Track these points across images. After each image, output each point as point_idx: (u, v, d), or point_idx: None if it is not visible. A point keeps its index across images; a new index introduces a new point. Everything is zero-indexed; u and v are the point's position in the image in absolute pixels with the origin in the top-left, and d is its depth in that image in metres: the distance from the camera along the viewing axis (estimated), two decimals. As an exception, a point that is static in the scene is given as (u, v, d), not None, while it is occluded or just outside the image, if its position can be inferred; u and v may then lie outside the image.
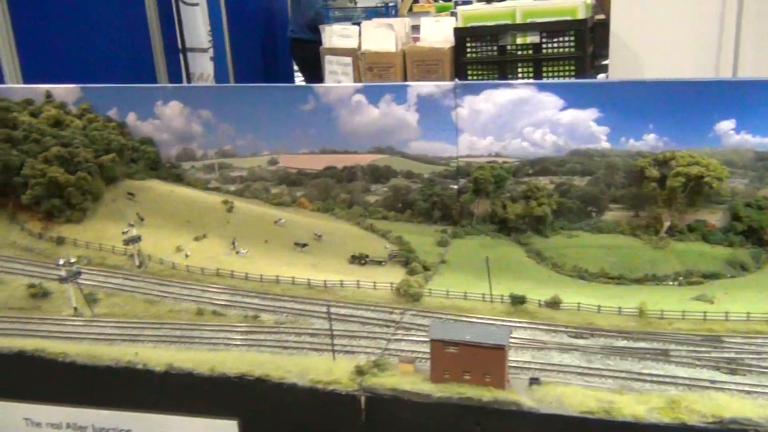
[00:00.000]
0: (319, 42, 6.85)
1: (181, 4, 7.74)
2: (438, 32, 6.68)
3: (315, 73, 7.33)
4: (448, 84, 3.55)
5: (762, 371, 2.24)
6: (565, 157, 3.47)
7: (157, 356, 2.41)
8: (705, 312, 2.56)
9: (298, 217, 3.62)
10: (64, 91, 3.85)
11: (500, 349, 2.16)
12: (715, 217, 3.36)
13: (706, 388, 2.17)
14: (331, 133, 3.68)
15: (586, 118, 3.42)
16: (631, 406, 2.09)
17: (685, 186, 3.24)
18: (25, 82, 5.78)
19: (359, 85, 3.73)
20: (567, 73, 6.20)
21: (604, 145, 3.43)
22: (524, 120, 3.47)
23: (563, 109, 3.42)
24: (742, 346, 2.39)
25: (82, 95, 3.85)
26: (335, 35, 7.05)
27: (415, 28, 6.95)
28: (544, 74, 6.20)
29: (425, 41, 6.70)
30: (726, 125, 3.27)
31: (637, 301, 2.68)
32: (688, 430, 2.01)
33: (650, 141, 3.37)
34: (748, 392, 2.13)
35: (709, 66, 5.40)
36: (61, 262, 2.82)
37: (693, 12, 5.30)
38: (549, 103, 3.43)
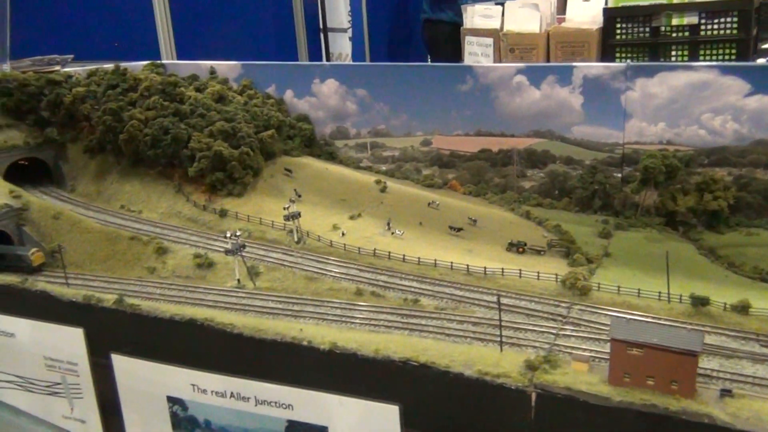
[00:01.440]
0: (452, 22, 6.70)
1: (323, -14, 7.85)
2: (586, 12, 6.38)
3: (446, 56, 7.19)
4: (619, 65, 3.33)
5: None
6: (748, 147, 3.17)
7: (321, 334, 2.40)
8: None
9: (450, 200, 3.53)
10: (227, 67, 3.96)
11: (692, 356, 1.98)
12: None
13: None
14: (488, 114, 3.56)
15: (774, 104, 3.10)
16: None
17: None
18: (179, 58, 6.04)
19: (521, 65, 3.58)
20: (727, 58, 5.72)
21: (794, 134, 3.09)
22: (703, 106, 3.19)
23: (749, 94, 3.12)
24: None
25: (243, 72, 3.94)
26: (477, 15, 6.88)
27: (562, 9, 6.66)
28: (701, 58, 5.76)
29: (571, 22, 6.40)
30: None
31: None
32: None
33: None
34: None
35: None
36: (228, 234, 2.88)
37: None
38: (733, 88, 3.13)
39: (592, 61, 6.03)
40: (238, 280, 2.88)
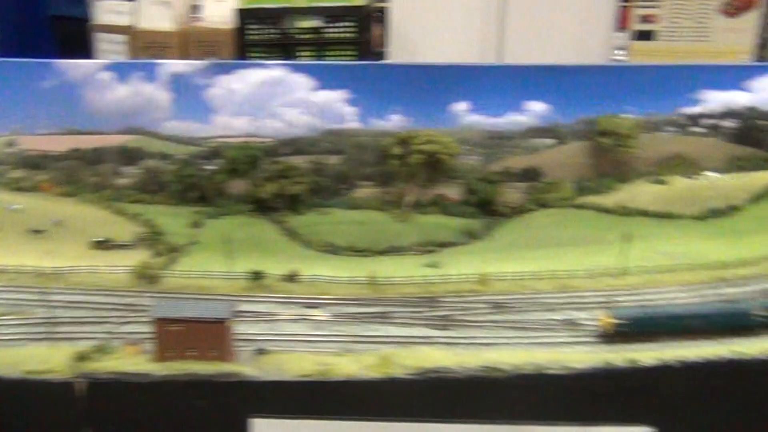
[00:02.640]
0: (83, 19, 6.43)
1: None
2: (220, 12, 6.56)
3: (78, 53, 6.86)
4: (200, 63, 3.51)
5: (466, 325, 2.50)
6: (319, 137, 3.58)
7: None
8: (426, 276, 2.79)
9: (39, 203, 3.39)
10: None
11: (221, 323, 2.21)
12: (453, 191, 3.64)
13: (416, 344, 2.38)
14: (77, 112, 3.48)
15: (337, 98, 3.55)
16: (347, 366, 2.23)
17: (423, 162, 3.48)
18: None
19: (105, 61, 3.57)
20: (349, 58, 6.38)
21: (355, 125, 3.58)
22: (278, 100, 3.52)
23: (316, 90, 3.53)
24: (454, 304, 2.65)
25: None
26: (108, 11, 6.66)
27: (198, 8, 6.76)
28: (327, 58, 6.34)
29: (207, 21, 6.55)
30: (461, 106, 3.56)
31: (378, 271, 2.86)
32: (394, 383, 2.19)
33: (396, 121, 3.57)
34: (450, 344, 2.36)
35: (476, 54, 5.88)
36: None
37: (463, 2, 5.73)
38: (302, 84, 3.51)
39: (227, 59, 6.25)
40: None
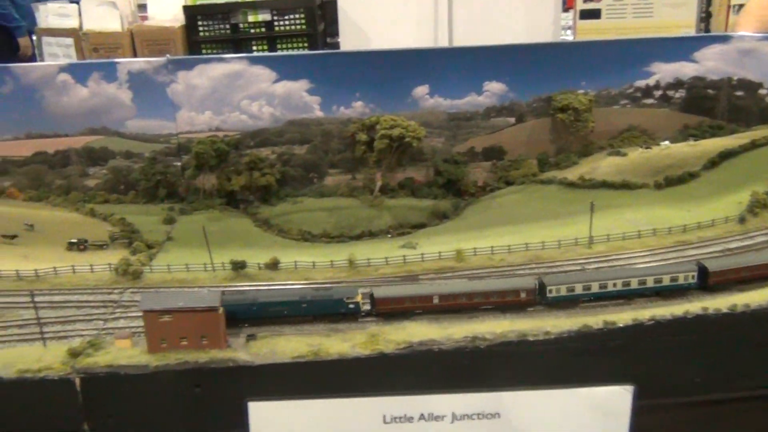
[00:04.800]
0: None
1: None
2: (167, 10, 6.50)
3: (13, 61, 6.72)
4: (159, 60, 3.51)
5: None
6: (283, 128, 3.63)
7: None
8: (405, 256, 2.87)
9: (8, 209, 3.36)
10: None
11: (214, 311, 2.25)
12: (420, 174, 3.74)
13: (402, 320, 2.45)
14: (37, 115, 3.45)
15: (299, 89, 3.59)
16: (337, 345, 2.30)
17: (390, 147, 3.56)
18: None
19: (63, 63, 3.54)
20: (300, 50, 6.40)
21: (318, 114, 3.63)
22: (240, 93, 3.55)
23: (276, 81, 3.56)
24: (432, 281, 2.73)
25: None
26: (51, 14, 6.55)
27: (144, 8, 6.69)
28: (279, 51, 6.35)
29: (154, 20, 6.48)
30: (421, 90, 3.64)
31: (355, 255, 2.92)
32: (385, 358, 2.26)
33: (359, 108, 3.64)
34: (436, 319, 2.45)
35: (428, 40, 5.95)
36: None
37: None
38: (262, 76, 3.55)
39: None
40: None
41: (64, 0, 6.89)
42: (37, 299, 2.47)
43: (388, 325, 2.41)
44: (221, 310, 2.26)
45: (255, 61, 3.54)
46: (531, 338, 2.31)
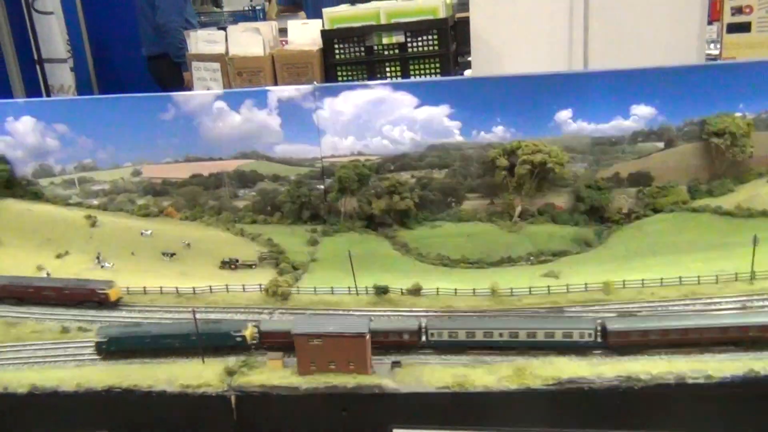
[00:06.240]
0: (174, 56, 6.75)
1: (34, 13, 7.42)
2: (305, 35, 6.75)
3: (175, 85, 7.23)
4: (307, 87, 3.65)
5: (596, 334, 2.49)
6: (423, 152, 3.65)
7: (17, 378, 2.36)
8: (549, 286, 2.80)
9: (166, 228, 3.60)
10: None
11: (361, 337, 2.29)
12: (561, 200, 3.64)
13: (548, 354, 2.39)
14: (195, 140, 3.68)
15: (439, 114, 3.61)
16: (482, 377, 2.27)
17: (531, 172, 3.50)
18: None
19: (219, 92, 3.76)
20: (432, 71, 6.44)
21: (458, 138, 3.63)
22: (382, 119, 3.62)
23: (418, 106, 3.60)
24: (580, 314, 2.64)
25: (-76, 113, 3.64)
26: (201, 41, 6.98)
27: (284, 32, 6.99)
28: (411, 72, 6.41)
29: (293, 44, 6.76)
30: (564, 114, 3.55)
31: (492, 283, 2.89)
32: (532, 394, 2.21)
33: (499, 132, 3.61)
34: (585, 355, 2.37)
35: (562, 59, 5.81)
36: None
37: (545, 8, 5.67)
38: (404, 102, 3.60)
39: (316, 80, 6.43)
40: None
41: (212, 27, 7.37)
42: (198, 316, 2.62)
43: (536, 359, 2.35)
44: (368, 336, 2.29)
45: (397, 87, 3.60)
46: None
